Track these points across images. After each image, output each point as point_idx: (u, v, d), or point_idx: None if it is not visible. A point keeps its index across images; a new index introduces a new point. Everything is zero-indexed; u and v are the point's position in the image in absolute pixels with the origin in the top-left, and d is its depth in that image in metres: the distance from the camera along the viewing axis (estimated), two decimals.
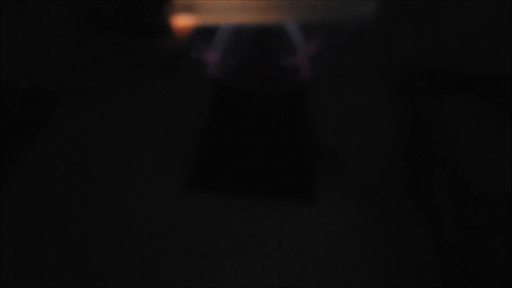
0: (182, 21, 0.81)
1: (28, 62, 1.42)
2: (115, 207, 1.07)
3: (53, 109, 1.34)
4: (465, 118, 1.12)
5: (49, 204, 1.07)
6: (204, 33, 0.92)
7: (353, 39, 0.93)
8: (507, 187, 0.93)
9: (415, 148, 1.22)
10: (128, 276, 0.94)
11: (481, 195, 0.91)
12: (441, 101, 1.17)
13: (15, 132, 1.25)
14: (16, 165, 1.16)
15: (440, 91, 1.19)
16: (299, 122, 1.15)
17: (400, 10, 1.47)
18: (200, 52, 0.94)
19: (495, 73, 1.23)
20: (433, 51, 1.46)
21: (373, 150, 1.25)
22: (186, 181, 1.14)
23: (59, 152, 1.21)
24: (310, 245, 1.02)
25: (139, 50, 1.53)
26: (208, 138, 1.17)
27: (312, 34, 0.92)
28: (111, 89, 1.44)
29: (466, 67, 1.26)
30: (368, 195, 1.13)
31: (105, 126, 1.30)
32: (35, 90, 1.38)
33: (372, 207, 1.10)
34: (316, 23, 0.90)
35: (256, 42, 0.94)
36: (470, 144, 1.04)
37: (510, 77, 1.21)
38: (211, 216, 1.07)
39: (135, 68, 1.52)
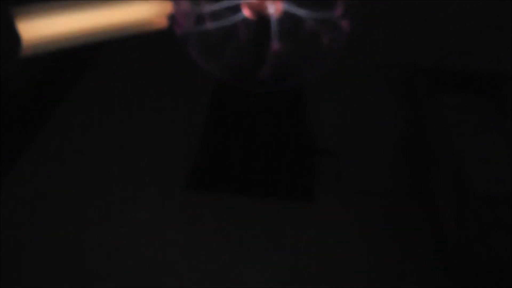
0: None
1: (28, 62, 1.42)
2: (114, 207, 1.07)
3: (53, 109, 1.34)
4: (465, 118, 1.12)
5: (49, 204, 1.07)
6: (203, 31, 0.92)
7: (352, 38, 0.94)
8: (507, 187, 0.93)
9: (415, 148, 1.22)
10: (128, 276, 0.94)
11: (481, 195, 0.91)
12: (441, 101, 1.17)
13: (15, 132, 1.25)
14: (16, 165, 1.16)
15: (440, 91, 1.19)
16: (299, 122, 1.15)
17: (400, 10, 1.47)
18: (199, 49, 0.94)
19: (495, 73, 1.23)
20: (433, 51, 1.46)
21: (373, 150, 1.25)
22: (185, 181, 1.14)
23: (59, 152, 1.21)
24: (310, 246, 1.02)
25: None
26: (208, 138, 1.17)
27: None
28: (110, 88, 1.44)
29: (466, 67, 1.26)
30: (368, 195, 1.13)
31: (105, 126, 1.30)
32: (36, 89, 1.38)
33: (372, 207, 1.10)
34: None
35: (256, 40, 0.95)
36: (470, 144, 1.04)
37: (510, 77, 1.21)
38: (210, 217, 1.07)
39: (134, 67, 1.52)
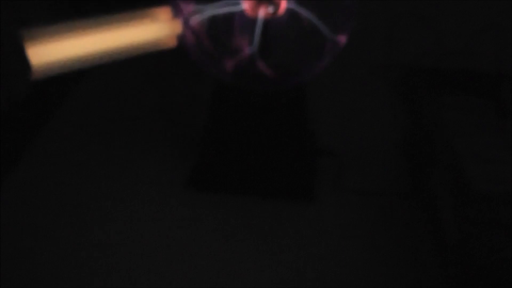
0: None
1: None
2: (114, 207, 1.07)
3: (53, 109, 1.34)
4: (465, 118, 1.12)
5: (49, 204, 1.07)
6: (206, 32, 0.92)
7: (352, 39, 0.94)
8: (507, 187, 0.93)
9: (415, 148, 1.22)
10: (128, 276, 0.94)
11: (481, 195, 0.91)
12: (441, 101, 1.17)
13: (15, 132, 1.25)
14: (16, 165, 1.16)
15: (440, 91, 1.19)
16: (299, 122, 1.15)
17: (400, 10, 1.47)
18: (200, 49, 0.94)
19: (495, 73, 1.23)
20: (433, 51, 1.46)
21: (373, 150, 1.25)
22: (185, 181, 1.14)
23: (59, 152, 1.21)
24: (310, 246, 1.02)
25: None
26: (208, 138, 1.17)
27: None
28: (111, 88, 1.44)
29: (466, 67, 1.26)
30: (368, 195, 1.13)
31: (105, 126, 1.30)
32: (36, 90, 1.38)
33: (372, 207, 1.10)
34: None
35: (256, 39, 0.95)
36: (470, 144, 1.04)
37: (510, 77, 1.21)
38: (210, 217, 1.07)
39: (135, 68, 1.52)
